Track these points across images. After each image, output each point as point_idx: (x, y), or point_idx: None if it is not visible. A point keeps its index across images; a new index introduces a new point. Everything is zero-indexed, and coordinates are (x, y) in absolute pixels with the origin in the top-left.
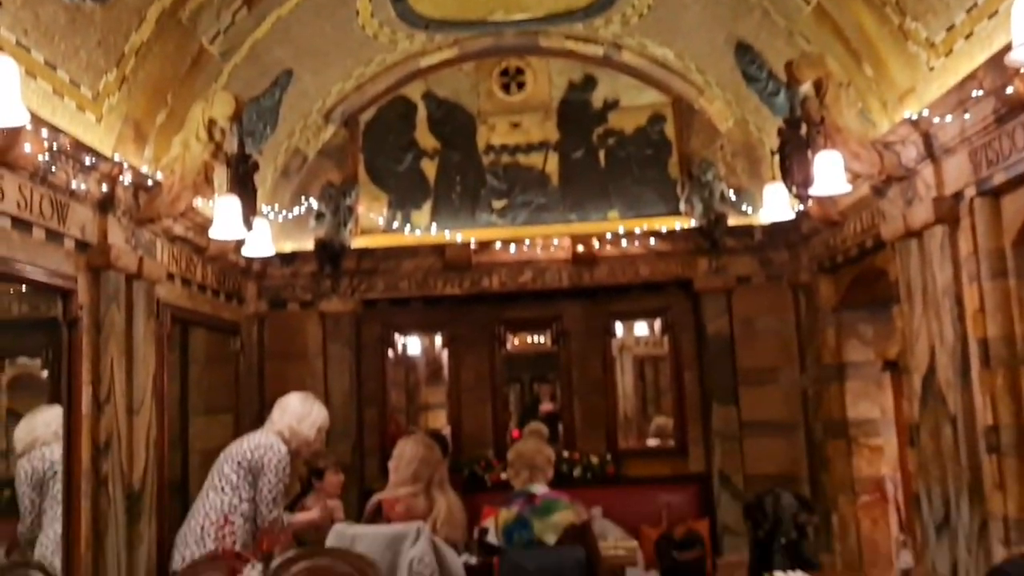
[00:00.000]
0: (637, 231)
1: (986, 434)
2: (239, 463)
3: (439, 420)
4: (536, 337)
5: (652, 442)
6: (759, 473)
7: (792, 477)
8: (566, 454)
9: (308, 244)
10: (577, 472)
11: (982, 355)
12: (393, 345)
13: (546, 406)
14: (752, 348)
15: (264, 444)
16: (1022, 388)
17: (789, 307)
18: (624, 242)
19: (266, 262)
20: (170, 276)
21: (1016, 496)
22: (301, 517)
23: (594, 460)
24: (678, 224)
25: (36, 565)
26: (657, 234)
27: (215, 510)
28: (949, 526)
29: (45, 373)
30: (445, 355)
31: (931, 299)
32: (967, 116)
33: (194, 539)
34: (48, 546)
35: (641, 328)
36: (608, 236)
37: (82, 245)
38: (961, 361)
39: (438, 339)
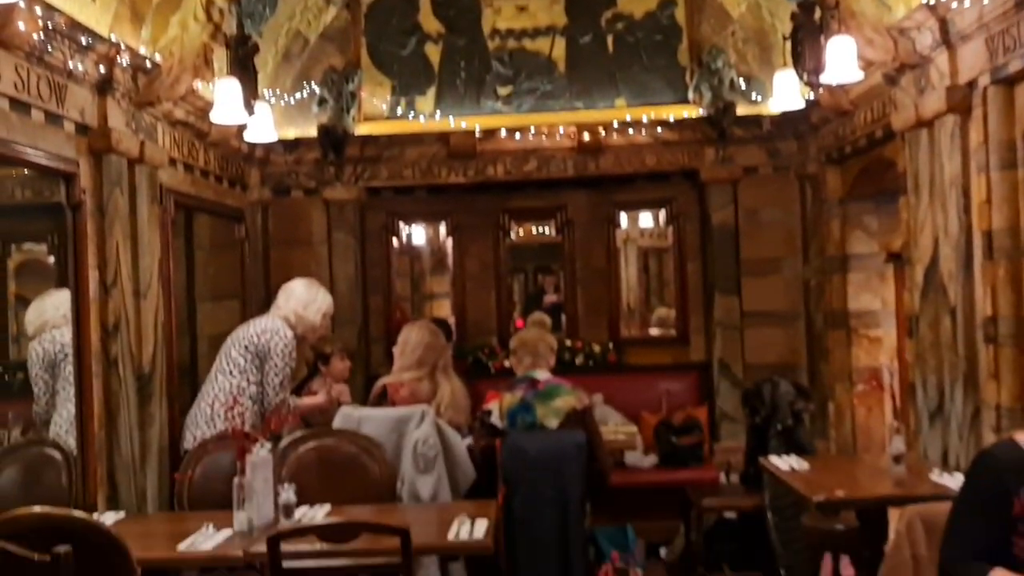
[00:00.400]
0: (644, 119)
1: (984, 325)
2: (246, 347)
3: (444, 310)
4: (541, 228)
5: (654, 331)
6: (759, 362)
7: (791, 366)
8: (568, 342)
9: (311, 130)
10: (579, 360)
11: (985, 247)
12: (397, 234)
13: (550, 297)
14: (756, 239)
15: (270, 329)
16: (1023, 280)
17: (795, 198)
18: (631, 131)
19: (269, 148)
20: (172, 161)
21: (1010, 385)
22: (307, 401)
23: (596, 348)
24: (686, 113)
25: (51, 443)
26: (664, 123)
27: (224, 392)
28: (942, 414)
29: (51, 259)
30: (449, 244)
31: (938, 190)
32: (986, 0)
33: (204, 420)
34: (62, 425)
35: (646, 219)
36: (614, 124)
37: (82, 128)
38: (964, 253)
39: (442, 228)
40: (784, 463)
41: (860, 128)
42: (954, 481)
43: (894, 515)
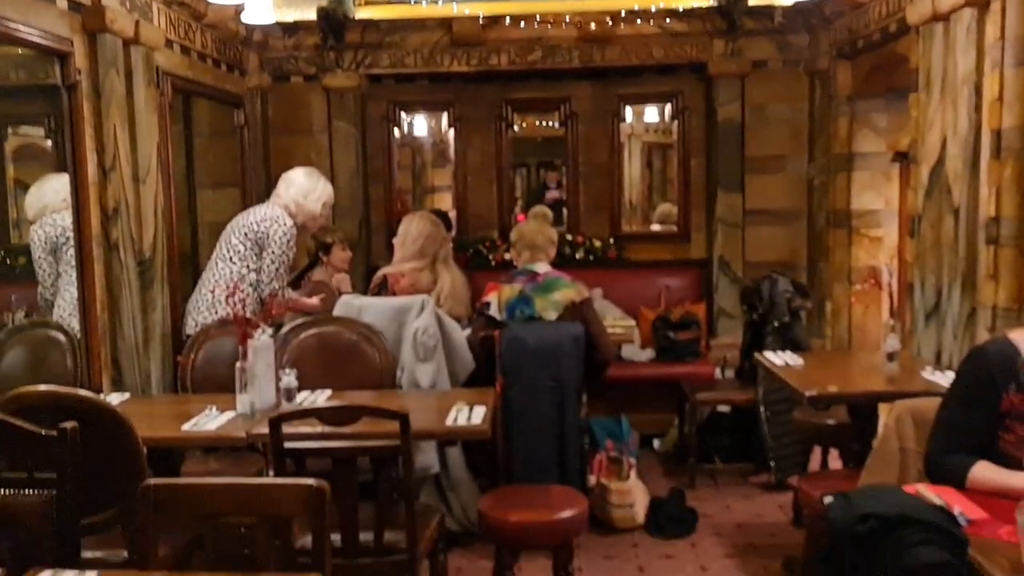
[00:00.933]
0: (653, 9)
1: (987, 226)
2: (245, 234)
3: (445, 202)
4: (544, 121)
5: (655, 227)
6: (759, 260)
7: (791, 265)
8: (569, 237)
9: (310, 13)
10: (579, 255)
11: (994, 146)
12: (399, 123)
13: (553, 193)
14: (762, 136)
15: (270, 216)
16: None
17: (803, 95)
18: (638, 21)
19: (267, 32)
20: (168, 43)
21: (1008, 286)
22: (303, 302)
23: (597, 243)
24: (696, 3)
25: (55, 326)
26: (673, 13)
27: (224, 279)
28: (939, 313)
29: (49, 143)
30: (451, 135)
31: (950, 87)
32: None
33: (206, 306)
34: (65, 308)
35: (651, 114)
36: (622, 14)
37: (75, 5)
38: (972, 152)
39: (444, 119)
40: (779, 359)
41: (874, 22)
42: (945, 379)
43: (884, 411)
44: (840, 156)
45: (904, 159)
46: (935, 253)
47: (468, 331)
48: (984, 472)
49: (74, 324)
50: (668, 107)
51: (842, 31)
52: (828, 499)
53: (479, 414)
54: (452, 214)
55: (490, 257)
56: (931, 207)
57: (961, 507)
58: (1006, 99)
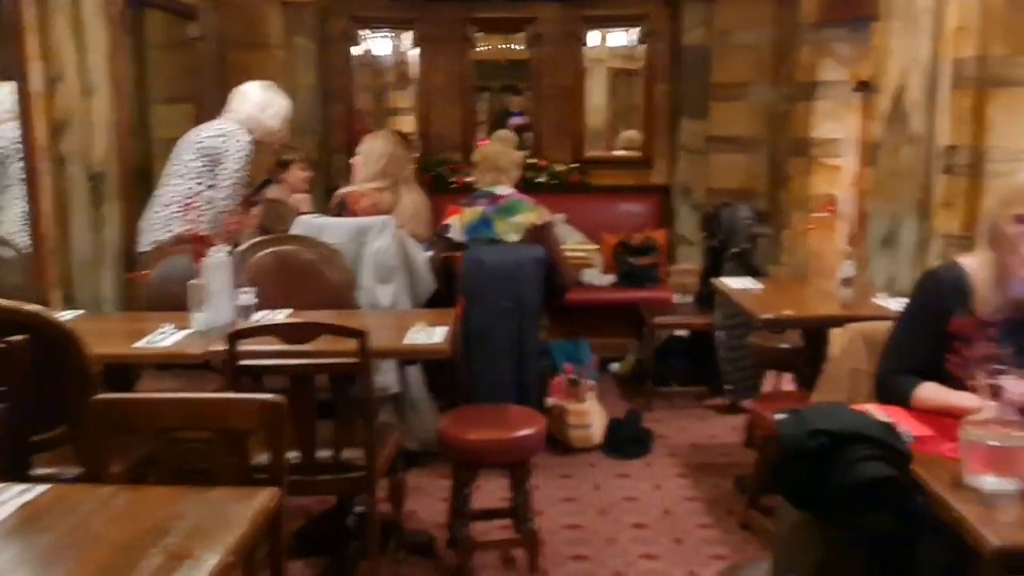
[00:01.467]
0: None
1: (944, 155)
2: (199, 149)
3: (407, 125)
4: (508, 44)
5: (618, 153)
6: (720, 187)
7: (751, 193)
8: (532, 161)
9: None
10: (542, 179)
11: (954, 75)
12: (358, 42)
13: (516, 120)
14: (727, 62)
15: (226, 131)
16: (986, 111)
17: (768, 21)
18: None
19: None
20: None
21: (961, 214)
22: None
23: (560, 168)
24: None
25: (2, 240)
26: None
27: (179, 195)
28: (892, 241)
29: None
30: (412, 55)
31: (912, 15)
32: None
33: (160, 224)
34: (14, 223)
35: (616, 39)
36: None
37: None
38: (932, 81)
39: (406, 39)
40: (737, 284)
41: None
42: (897, 304)
43: (836, 335)
44: (803, 84)
45: (865, 88)
46: (892, 182)
47: (430, 253)
48: (928, 392)
49: (20, 241)
50: (634, 33)
51: None
52: (780, 416)
53: (439, 333)
54: (414, 135)
55: (451, 180)
56: (890, 136)
57: (907, 425)
58: (966, 28)
